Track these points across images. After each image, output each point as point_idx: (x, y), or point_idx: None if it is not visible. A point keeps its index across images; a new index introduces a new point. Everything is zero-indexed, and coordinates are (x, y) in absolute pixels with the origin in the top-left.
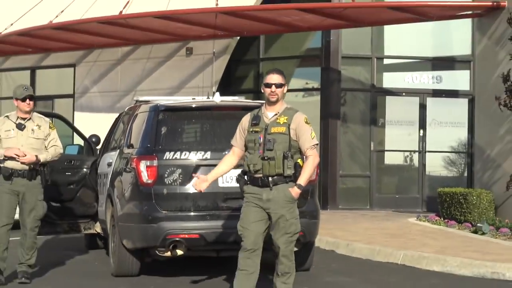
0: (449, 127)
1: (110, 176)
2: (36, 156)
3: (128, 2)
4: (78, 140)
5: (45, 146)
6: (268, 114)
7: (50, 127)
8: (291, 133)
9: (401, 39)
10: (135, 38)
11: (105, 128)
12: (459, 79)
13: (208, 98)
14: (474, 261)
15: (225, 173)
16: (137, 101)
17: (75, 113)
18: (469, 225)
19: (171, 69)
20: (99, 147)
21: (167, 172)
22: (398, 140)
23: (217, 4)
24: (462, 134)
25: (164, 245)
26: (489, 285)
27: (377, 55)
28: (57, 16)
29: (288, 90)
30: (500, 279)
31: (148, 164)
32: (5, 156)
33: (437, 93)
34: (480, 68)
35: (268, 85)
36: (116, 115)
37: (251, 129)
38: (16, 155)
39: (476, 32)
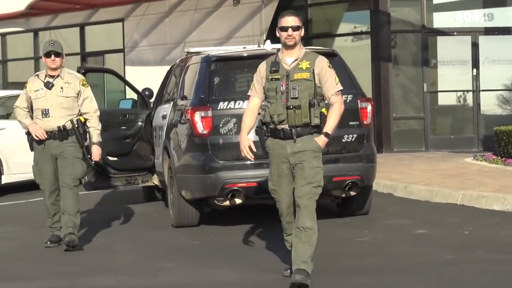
0: (502, 64)
1: (165, 129)
2: (96, 143)
3: None
4: (131, 94)
5: (78, 104)
6: (287, 60)
7: (82, 84)
8: (316, 79)
9: None
10: None
11: (157, 81)
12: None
13: (259, 46)
14: None
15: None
16: (188, 52)
17: (126, 67)
18: None
19: (219, 19)
20: (152, 100)
21: (222, 122)
22: (451, 80)
23: None
24: None
25: (223, 194)
26: None
27: None
28: None
29: (337, 35)
30: None
31: (202, 114)
32: (28, 130)
33: (489, 31)
34: None
35: (284, 29)
36: (167, 68)
37: (270, 77)
38: (40, 136)
39: None
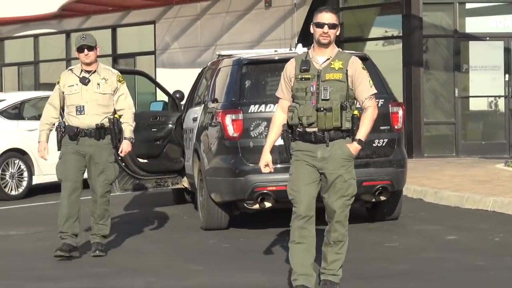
0: None
1: (195, 131)
2: (127, 138)
3: None
4: (161, 97)
5: (114, 102)
6: (319, 58)
7: (119, 80)
8: (348, 81)
9: None
10: None
11: (188, 84)
12: None
13: (290, 50)
14: None
15: None
16: (219, 55)
17: (157, 69)
18: None
19: (251, 22)
20: (183, 102)
21: (252, 125)
22: (483, 85)
23: None
24: None
25: (252, 197)
26: None
27: None
28: None
29: (370, 39)
30: None
31: (233, 117)
32: (59, 125)
33: None
34: None
35: (320, 25)
36: (198, 70)
37: (300, 76)
38: (41, 157)
39: None
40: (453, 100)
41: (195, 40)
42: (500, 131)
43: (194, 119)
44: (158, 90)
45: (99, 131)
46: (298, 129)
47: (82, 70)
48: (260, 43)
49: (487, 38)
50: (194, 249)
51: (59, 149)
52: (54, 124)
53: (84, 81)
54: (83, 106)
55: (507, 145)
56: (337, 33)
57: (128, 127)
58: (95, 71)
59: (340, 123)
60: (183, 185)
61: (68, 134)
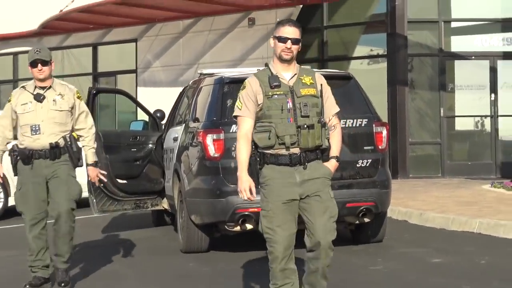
0: None
1: (176, 151)
2: (92, 163)
3: None
4: (142, 116)
5: (72, 120)
6: (284, 75)
7: (77, 97)
8: (323, 96)
9: (468, 0)
10: (196, 10)
11: (169, 103)
12: None
13: None
14: None
15: None
16: (201, 74)
17: (138, 88)
18: None
19: (234, 41)
20: (164, 122)
21: (234, 146)
22: (468, 105)
23: None
24: None
25: (233, 219)
26: None
27: (444, 18)
28: None
29: (354, 58)
30: None
31: (214, 137)
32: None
33: (508, 56)
34: None
35: (283, 40)
36: (179, 89)
37: (271, 93)
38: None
39: None
40: (439, 120)
41: (177, 59)
42: (486, 151)
43: (175, 139)
44: (138, 109)
45: (54, 151)
46: (269, 151)
47: (36, 87)
48: (243, 62)
49: (473, 57)
50: (173, 273)
51: (15, 174)
52: (7, 145)
53: (39, 98)
54: (39, 125)
55: (493, 166)
56: (299, 49)
57: (90, 150)
58: (50, 86)
59: (321, 141)
60: (163, 207)
61: (21, 158)
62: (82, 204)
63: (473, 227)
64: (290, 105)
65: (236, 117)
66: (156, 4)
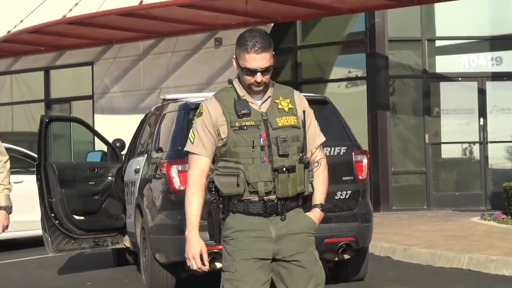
0: None
1: (138, 184)
2: (5, 208)
3: None
4: (100, 146)
5: None
6: (255, 97)
7: None
8: (306, 125)
9: (454, 17)
10: (157, 30)
11: (129, 131)
12: None
13: None
14: None
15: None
16: (164, 99)
17: (95, 116)
18: None
19: (199, 63)
20: (124, 152)
21: None
22: (455, 130)
23: None
24: None
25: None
26: None
27: (428, 36)
28: (71, 10)
29: (331, 80)
30: None
31: (180, 169)
32: None
33: (497, 76)
34: None
35: (250, 72)
36: (141, 116)
37: (239, 124)
38: None
39: None
40: (424, 147)
41: (137, 83)
42: (476, 181)
43: (136, 171)
44: (96, 138)
45: None
46: (240, 198)
47: None
48: (210, 86)
49: (459, 79)
50: None
51: None
52: None
53: None
54: None
55: (483, 196)
56: (273, 70)
57: (4, 191)
58: None
59: (304, 187)
60: (124, 245)
61: None
62: (37, 242)
63: (462, 263)
64: (263, 140)
65: (187, 153)
66: (114, 24)
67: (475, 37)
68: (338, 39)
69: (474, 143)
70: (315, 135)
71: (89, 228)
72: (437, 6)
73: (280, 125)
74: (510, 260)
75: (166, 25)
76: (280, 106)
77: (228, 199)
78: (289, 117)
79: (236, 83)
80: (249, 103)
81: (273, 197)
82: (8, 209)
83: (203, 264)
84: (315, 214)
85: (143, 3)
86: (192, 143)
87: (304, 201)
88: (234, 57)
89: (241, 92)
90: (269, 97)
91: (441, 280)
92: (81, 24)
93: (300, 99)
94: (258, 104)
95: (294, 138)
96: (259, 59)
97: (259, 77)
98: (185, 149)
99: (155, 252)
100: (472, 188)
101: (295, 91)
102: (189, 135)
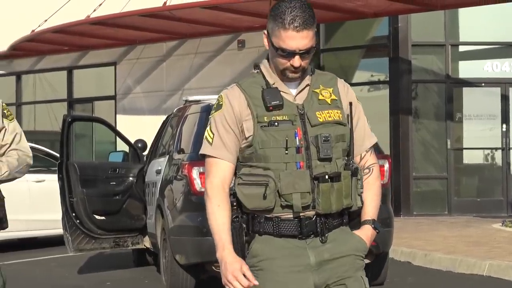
0: None
1: (159, 185)
2: None
3: None
4: (122, 146)
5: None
6: (288, 86)
7: (4, 115)
8: (353, 121)
9: (478, 23)
10: (181, 32)
11: (152, 132)
12: None
13: None
14: None
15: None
16: (186, 101)
17: (117, 116)
18: None
19: (222, 64)
20: (145, 153)
21: None
22: (478, 136)
23: None
24: None
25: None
26: None
27: (452, 41)
28: (95, 10)
29: (354, 84)
30: None
31: (201, 170)
32: None
33: None
34: None
35: (288, 54)
36: (163, 117)
37: (267, 119)
38: None
39: None
40: (445, 152)
41: (160, 84)
42: (497, 187)
43: (158, 172)
44: (118, 139)
45: None
46: (267, 215)
47: None
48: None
49: (483, 84)
50: None
51: None
52: None
53: None
54: None
55: (504, 203)
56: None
57: (9, 159)
58: None
59: (351, 200)
60: (144, 245)
61: None
62: (58, 241)
63: (482, 270)
64: (299, 139)
65: (203, 156)
66: (137, 25)
67: (499, 42)
68: (361, 43)
69: (496, 149)
70: (364, 135)
71: (110, 228)
72: (461, 11)
73: (321, 120)
74: None
75: (189, 26)
76: (321, 97)
77: (253, 217)
78: (332, 110)
79: (264, 68)
80: (282, 92)
81: (311, 213)
82: None
83: (250, 280)
84: (366, 233)
85: (167, 4)
86: (211, 144)
87: (351, 217)
88: (265, 33)
89: (271, 79)
90: (307, 85)
91: (461, 286)
92: (104, 25)
93: (346, 89)
94: (293, 94)
95: (339, 138)
96: (299, 38)
97: (297, 61)
98: (201, 151)
99: (175, 253)
100: (493, 195)
101: (339, 79)
102: (206, 133)
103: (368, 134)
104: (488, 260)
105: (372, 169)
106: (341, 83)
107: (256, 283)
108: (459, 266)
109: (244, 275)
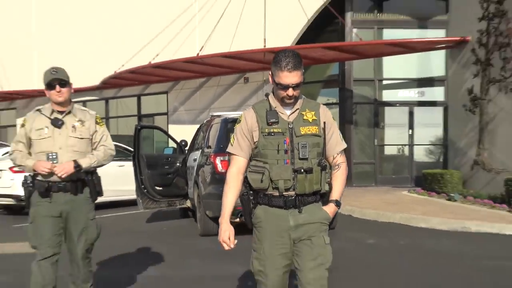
0: (429, 127)
1: (195, 168)
2: (75, 161)
3: (202, 47)
4: (172, 144)
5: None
6: (285, 109)
7: (97, 122)
8: (326, 134)
9: (395, 65)
10: (208, 72)
11: (190, 135)
12: (437, 93)
13: None
14: (449, 220)
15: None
16: (212, 116)
17: (169, 125)
18: (445, 195)
19: (234, 93)
20: (187, 148)
21: None
22: (394, 137)
23: (264, 46)
24: (439, 132)
25: (234, 214)
26: (460, 236)
27: (378, 77)
28: (154, 58)
29: None
30: (467, 232)
31: (221, 159)
32: (34, 170)
33: (421, 104)
34: (452, 85)
35: (283, 87)
36: (197, 126)
37: (268, 130)
38: (48, 170)
39: (449, 59)
40: (373, 147)
41: (195, 105)
42: (405, 168)
43: (195, 160)
44: (169, 139)
45: (75, 184)
46: (265, 192)
47: (53, 111)
48: (240, 107)
49: (397, 105)
50: (193, 249)
51: (27, 207)
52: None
53: (57, 123)
54: (56, 154)
55: (409, 178)
56: (302, 84)
57: (89, 156)
58: (69, 112)
59: (320, 186)
60: (187, 205)
61: (38, 191)
62: (131, 203)
63: (395, 219)
64: (286, 145)
65: (228, 153)
66: (181, 68)
67: (408, 78)
68: (321, 78)
69: (405, 145)
70: (336, 143)
71: (165, 194)
72: (385, 59)
73: (302, 133)
74: (425, 218)
75: (213, 68)
76: (305, 117)
77: (256, 192)
78: (312, 126)
79: (270, 96)
80: (279, 113)
81: (292, 193)
82: (76, 164)
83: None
84: (330, 208)
85: (199, 55)
86: (232, 145)
87: (322, 197)
88: (270, 73)
89: (274, 103)
90: (297, 109)
91: (382, 230)
92: (160, 67)
93: (325, 112)
94: (287, 114)
95: (315, 145)
96: (291, 76)
97: (290, 92)
98: (227, 150)
99: (206, 210)
100: (403, 173)
101: (321, 105)
102: (231, 138)
103: (339, 142)
104: (399, 213)
105: (340, 166)
106: (322, 108)
107: (232, 246)
108: (381, 217)
109: (229, 240)
